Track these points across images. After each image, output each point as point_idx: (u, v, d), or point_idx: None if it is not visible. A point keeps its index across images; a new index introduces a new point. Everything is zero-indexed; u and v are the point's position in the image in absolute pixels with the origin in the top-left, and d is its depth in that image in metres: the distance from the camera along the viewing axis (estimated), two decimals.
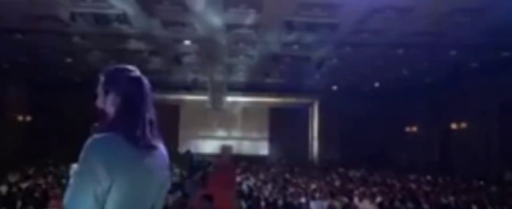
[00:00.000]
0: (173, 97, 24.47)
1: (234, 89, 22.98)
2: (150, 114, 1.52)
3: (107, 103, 1.49)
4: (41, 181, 9.65)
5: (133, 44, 15.36)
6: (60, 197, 7.88)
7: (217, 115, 25.01)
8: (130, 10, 11.68)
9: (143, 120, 1.45)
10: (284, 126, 25.37)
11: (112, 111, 1.46)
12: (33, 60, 18.17)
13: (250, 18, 12.06)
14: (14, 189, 8.17)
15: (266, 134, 26.70)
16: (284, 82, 21.91)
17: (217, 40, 14.52)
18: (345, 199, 9.11)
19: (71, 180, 1.40)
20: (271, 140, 26.51)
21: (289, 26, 12.28)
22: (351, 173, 16.83)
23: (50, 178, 10.34)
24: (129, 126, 1.39)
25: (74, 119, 22.47)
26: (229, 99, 23.51)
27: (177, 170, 13.41)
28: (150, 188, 1.39)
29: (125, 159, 1.32)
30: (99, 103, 1.53)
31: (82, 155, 1.36)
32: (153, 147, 1.44)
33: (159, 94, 24.32)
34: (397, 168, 19.74)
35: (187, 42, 15.12)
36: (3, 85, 20.47)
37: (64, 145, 22.00)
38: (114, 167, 1.29)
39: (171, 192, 9.58)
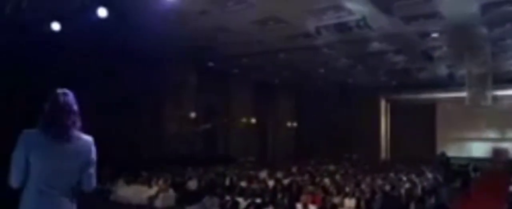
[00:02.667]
0: (427, 96, 22.72)
1: (505, 81, 19.09)
2: (67, 119, 2.31)
3: None
4: (299, 178, 11.09)
5: (376, 46, 15.35)
6: (312, 194, 8.79)
7: (485, 113, 21.31)
8: (369, 13, 11.79)
9: (56, 123, 2.28)
10: None
11: None
12: (295, 74, 21.09)
13: None
14: (278, 185, 9.80)
15: None
16: None
17: (472, 26, 12.57)
18: None
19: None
20: None
21: None
22: None
23: (306, 176, 11.70)
24: (45, 126, 2.28)
25: (333, 123, 24.56)
26: (499, 93, 19.64)
27: (430, 175, 12.32)
28: (58, 160, 2.27)
29: (35, 144, 2.26)
30: None
31: None
32: (64, 138, 2.28)
33: (410, 94, 23.24)
34: None
35: (434, 35, 13.82)
36: (276, 97, 24.73)
37: (326, 146, 24.44)
38: (26, 147, 2.25)
39: (419, 199, 8.92)
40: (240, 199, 8.20)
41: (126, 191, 10.00)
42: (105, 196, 9.96)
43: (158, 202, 9.17)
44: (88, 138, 2.44)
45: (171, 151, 16.43)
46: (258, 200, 8.01)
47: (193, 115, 18.00)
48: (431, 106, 24.08)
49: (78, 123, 2.40)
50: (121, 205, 9.62)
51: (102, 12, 7.19)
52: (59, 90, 2.40)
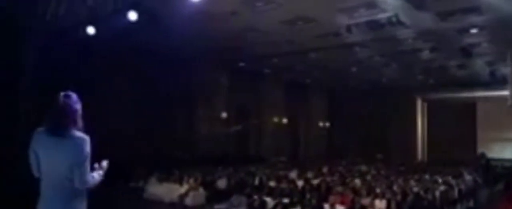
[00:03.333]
0: (466, 94, 21.73)
1: None
2: (65, 119, 2.51)
3: None
4: (329, 178, 10.94)
5: (411, 44, 14.88)
6: (341, 194, 8.65)
7: None
8: (401, 10, 11.45)
9: (55, 122, 2.52)
10: None
11: None
12: (327, 73, 20.82)
13: None
14: (307, 185, 9.71)
15: None
16: None
17: None
18: None
19: None
20: None
21: None
22: None
23: (336, 177, 11.53)
24: (46, 125, 2.55)
25: (367, 123, 24.02)
26: None
27: (468, 177, 11.78)
28: (56, 155, 2.50)
29: (40, 140, 2.54)
30: None
31: None
32: (61, 136, 2.51)
33: (448, 93, 22.33)
34: None
35: (473, 30, 13.20)
36: (308, 97, 24.53)
37: (359, 146, 23.96)
38: (35, 143, 2.55)
39: (455, 201, 8.55)
40: (268, 199, 8.22)
41: (158, 189, 10.29)
42: (139, 194, 10.31)
43: (188, 200, 9.37)
44: (82, 136, 2.56)
45: (203, 151, 16.72)
46: (286, 200, 8.00)
47: (224, 115, 18.20)
48: (471, 106, 22.98)
49: (80, 123, 2.59)
50: (154, 203, 9.92)
51: (132, 15, 7.44)
52: (62, 93, 2.60)
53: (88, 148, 2.55)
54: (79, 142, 2.52)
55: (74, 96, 2.60)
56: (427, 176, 11.72)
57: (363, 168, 14.75)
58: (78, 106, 2.60)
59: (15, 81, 8.70)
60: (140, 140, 13.96)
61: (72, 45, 9.20)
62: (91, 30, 7.93)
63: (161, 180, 10.80)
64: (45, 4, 7.95)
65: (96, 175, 2.70)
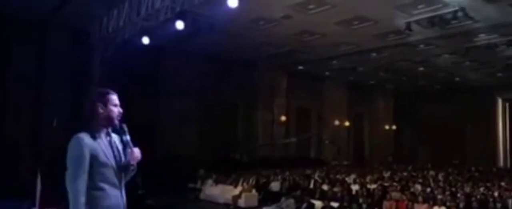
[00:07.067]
0: None
1: None
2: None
3: None
4: (387, 183, 10.39)
5: (484, 39, 13.66)
6: (396, 200, 8.20)
7: None
8: (467, 2, 10.61)
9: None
10: None
11: None
12: (392, 74, 19.84)
13: None
14: (363, 189, 9.33)
15: None
16: None
17: None
18: None
19: None
20: None
21: None
22: None
23: (396, 181, 10.91)
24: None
25: (440, 126, 22.38)
26: None
27: None
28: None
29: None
30: None
31: None
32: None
33: None
34: None
35: None
36: (373, 99, 23.59)
37: (430, 150, 22.38)
38: None
39: None
40: (316, 202, 8.10)
41: (213, 190, 10.69)
42: (196, 194, 10.81)
43: (241, 202, 9.58)
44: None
45: (262, 154, 16.96)
46: (335, 204, 7.80)
47: (283, 118, 18.26)
48: None
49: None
50: (209, 203, 10.32)
51: (179, 24, 7.83)
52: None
53: (70, 150, 2.13)
54: None
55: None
56: (503, 183, 10.61)
57: (431, 173, 13.77)
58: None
59: (88, 86, 9.62)
60: (202, 143, 14.59)
61: (140, 53, 9.92)
62: (145, 40, 8.54)
63: (217, 181, 11.18)
64: (108, 18, 8.76)
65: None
